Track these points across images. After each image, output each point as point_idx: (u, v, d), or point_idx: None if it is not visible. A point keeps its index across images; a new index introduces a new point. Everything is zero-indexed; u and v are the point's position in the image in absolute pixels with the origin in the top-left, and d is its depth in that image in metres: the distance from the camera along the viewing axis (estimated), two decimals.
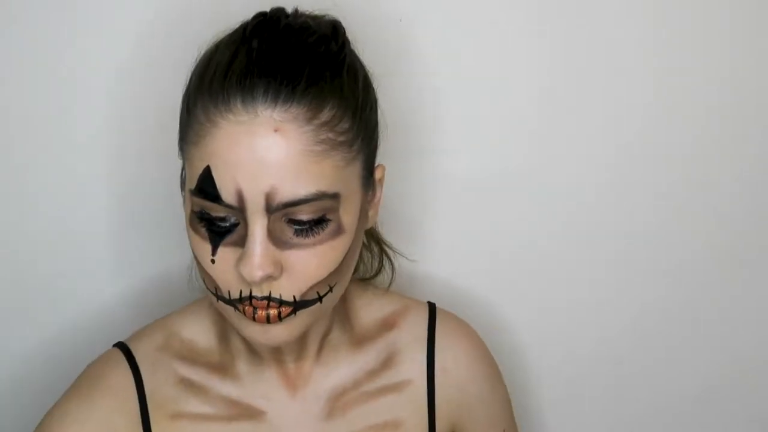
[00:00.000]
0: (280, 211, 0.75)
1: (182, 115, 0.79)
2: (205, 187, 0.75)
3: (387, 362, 0.92)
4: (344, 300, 0.92)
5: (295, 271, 0.77)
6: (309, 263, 0.77)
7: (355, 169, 0.79)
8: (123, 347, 0.89)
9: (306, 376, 0.90)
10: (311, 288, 0.78)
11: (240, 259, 0.76)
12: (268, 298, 0.77)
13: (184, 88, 0.80)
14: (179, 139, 0.80)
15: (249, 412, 0.88)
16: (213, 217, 0.77)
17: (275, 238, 0.76)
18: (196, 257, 0.80)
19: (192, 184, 0.77)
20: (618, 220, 1.12)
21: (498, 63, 1.06)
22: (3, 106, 1.00)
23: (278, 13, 0.80)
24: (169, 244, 1.04)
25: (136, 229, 1.06)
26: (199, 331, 0.90)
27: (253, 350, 0.88)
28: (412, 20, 1.02)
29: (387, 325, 0.94)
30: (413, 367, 0.93)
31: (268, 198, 0.74)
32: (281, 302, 0.77)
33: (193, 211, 0.78)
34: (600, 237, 1.13)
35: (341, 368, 0.91)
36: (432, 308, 0.96)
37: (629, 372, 1.18)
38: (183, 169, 0.82)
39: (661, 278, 1.15)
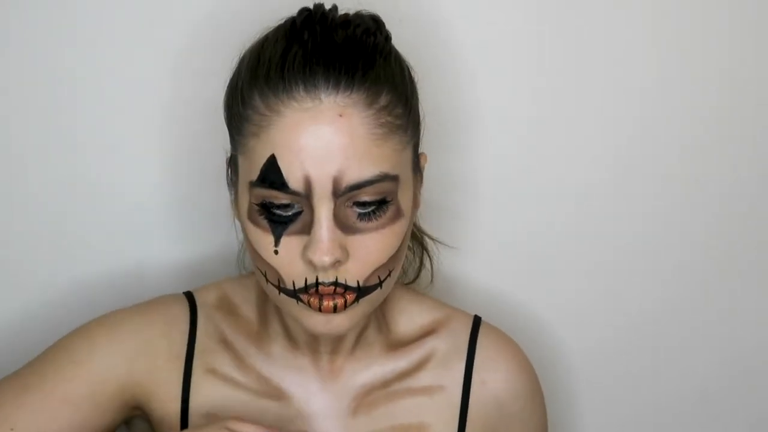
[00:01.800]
0: (346, 195, 0.77)
1: (234, 110, 0.81)
2: (271, 175, 0.77)
3: (420, 365, 0.92)
4: (384, 301, 0.91)
5: (360, 256, 0.79)
6: (373, 247, 0.80)
7: (409, 154, 0.82)
8: (188, 295, 0.93)
9: (338, 370, 0.91)
10: (374, 272, 0.81)
11: (308, 246, 0.78)
12: (335, 284, 0.79)
13: (228, 86, 0.83)
14: (234, 134, 0.82)
15: (277, 393, 0.90)
16: (277, 205, 0.78)
17: (340, 223, 0.78)
18: (256, 251, 0.81)
19: (253, 175, 0.79)
20: (621, 220, 1.12)
21: (498, 63, 1.06)
22: (7, 104, 1.01)
23: (321, 8, 0.82)
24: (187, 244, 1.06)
25: (149, 229, 1.07)
26: (244, 300, 0.93)
27: (290, 336, 0.90)
28: (413, 20, 1.02)
29: (426, 332, 0.94)
30: (448, 374, 0.93)
31: (336, 182, 0.77)
32: (346, 288, 0.80)
33: (252, 204, 0.80)
34: (601, 237, 1.13)
35: (373, 367, 0.92)
36: (476, 321, 0.96)
37: (629, 372, 1.18)
38: (229, 166, 0.84)
39: (661, 278, 1.15)
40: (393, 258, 0.81)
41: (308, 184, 0.77)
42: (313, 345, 0.90)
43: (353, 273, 0.80)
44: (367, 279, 0.80)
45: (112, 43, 1.01)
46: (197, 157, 1.03)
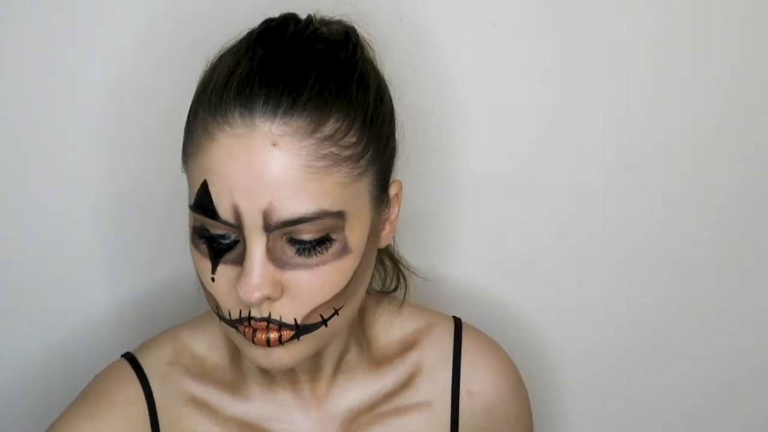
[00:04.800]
0: (279, 229, 0.71)
1: (186, 126, 0.76)
2: (203, 202, 0.72)
3: (407, 382, 0.89)
4: (362, 318, 0.88)
5: (296, 293, 0.73)
6: (311, 285, 0.73)
7: (364, 186, 0.74)
8: (131, 359, 0.85)
9: (321, 397, 0.86)
10: (314, 311, 0.74)
11: (238, 279, 0.72)
12: (268, 320, 0.73)
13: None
14: (182, 151, 0.76)
15: None
16: (212, 234, 0.73)
17: (275, 258, 0.72)
18: (197, 274, 0.76)
19: (191, 199, 0.74)
20: (619, 220, 1.12)
21: (498, 63, 1.06)
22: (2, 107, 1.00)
23: (288, 20, 0.77)
24: (172, 250, 1.03)
25: (136, 235, 1.05)
26: (210, 348, 0.86)
27: (266, 371, 0.84)
28: (413, 20, 1.02)
29: (408, 344, 0.90)
30: (435, 387, 0.89)
31: (266, 216, 0.70)
32: (281, 324, 0.74)
33: (193, 227, 0.75)
34: (602, 237, 1.13)
35: (358, 389, 0.87)
36: (458, 324, 0.92)
37: (629, 371, 1.18)
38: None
39: (661, 278, 1.15)
40: (339, 297, 0.74)
41: (238, 215, 0.70)
42: (290, 376, 0.84)
43: (289, 310, 0.73)
44: (306, 317, 0.74)
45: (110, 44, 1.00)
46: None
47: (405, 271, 0.93)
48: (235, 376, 0.86)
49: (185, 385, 0.85)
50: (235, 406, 0.85)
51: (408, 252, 0.95)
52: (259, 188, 0.70)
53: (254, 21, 0.79)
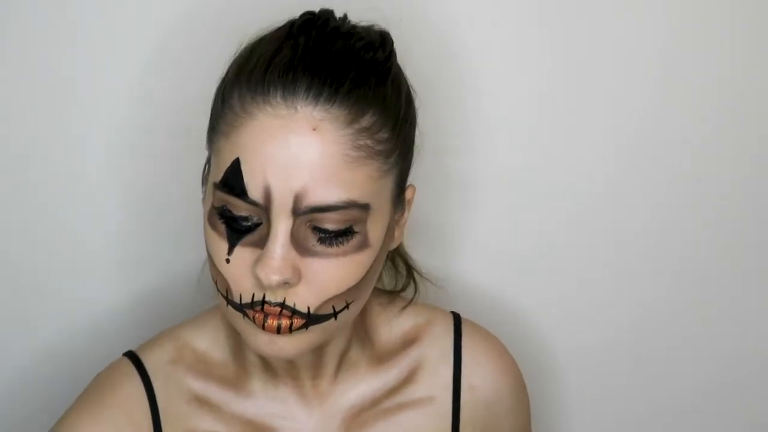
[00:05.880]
0: (306, 215, 0.72)
1: (215, 105, 0.77)
2: (232, 180, 0.72)
3: (408, 378, 0.89)
4: (364, 315, 0.88)
5: (313, 281, 0.74)
6: (329, 274, 0.74)
7: (389, 183, 0.76)
8: (133, 357, 0.85)
9: (323, 394, 0.86)
10: (327, 301, 0.75)
11: (258, 261, 0.73)
12: (282, 305, 0.74)
13: (220, 80, 0.78)
14: (209, 130, 0.78)
15: None
16: (234, 215, 0.74)
17: (297, 243, 0.73)
18: (210, 256, 0.77)
19: (217, 177, 0.74)
20: (619, 220, 1.12)
21: (498, 63, 1.06)
22: (6, 105, 1.00)
23: (327, 15, 0.78)
24: (177, 247, 1.04)
25: (143, 232, 1.05)
26: (212, 344, 0.87)
27: (268, 366, 0.85)
28: (413, 20, 1.02)
29: (409, 340, 0.91)
30: (437, 382, 0.90)
31: (297, 199, 0.71)
32: (294, 311, 0.74)
33: (213, 206, 0.75)
34: (602, 237, 1.13)
35: (360, 386, 0.88)
36: (457, 320, 0.93)
37: (629, 371, 1.18)
38: (207, 163, 0.79)
39: (661, 278, 1.15)
40: (353, 290, 0.75)
41: (268, 195, 0.71)
42: (292, 372, 0.85)
43: (304, 298, 0.74)
44: (320, 307, 0.75)
45: (110, 44, 1.00)
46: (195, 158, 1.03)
47: (418, 277, 0.94)
48: (238, 372, 0.86)
49: (188, 383, 0.85)
50: (238, 404, 0.85)
51: (409, 251, 0.95)
52: (295, 170, 0.71)
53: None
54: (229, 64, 0.79)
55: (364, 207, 0.73)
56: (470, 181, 1.09)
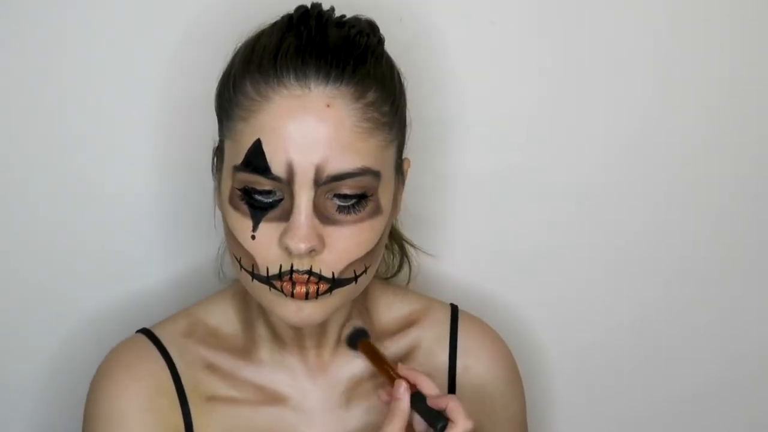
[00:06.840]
0: (327, 184, 0.78)
1: (225, 96, 0.83)
2: (255, 159, 0.79)
3: (406, 357, 0.94)
4: (365, 294, 0.93)
5: (336, 247, 0.80)
6: (350, 240, 0.80)
7: (392, 153, 0.83)
8: (147, 333, 0.91)
9: (325, 364, 0.92)
10: (349, 266, 0.81)
11: (285, 232, 0.79)
12: (310, 272, 0.80)
13: (222, 74, 0.84)
14: (222, 119, 0.83)
15: (274, 398, 0.90)
16: (258, 190, 0.79)
17: (319, 213, 0.79)
18: (233, 235, 0.82)
19: (238, 159, 0.80)
20: (619, 219, 1.12)
21: (498, 62, 1.06)
22: (6, 105, 1.00)
23: (318, 7, 0.84)
24: (177, 247, 1.05)
25: (143, 232, 1.06)
26: (223, 319, 0.92)
27: (276, 337, 0.90)
28: (413, 20, 1.02)
29: (408, 322, 0.96)
30: (433, 362, 0.95)
31: (318, 170, 0.78)
32: (320, 277, 0.80)
33: (234, 188, 0.81)
34: (602, 237, 1.13)
35: (358, 359, 0.91)
36: (454, 310, 0.98)
37: (629, 371, 1.18)
38: (216, 152, 0.85)
39: (661, 278, 1.15)
40: (369, 254, 0.82)
41: (291, 170, 0.78)
42: (299, 341, 0.90)
43: (328, 263, 0.80)
44: (342, 272, 0.81)
45: (109, 44, 1.01)
46: (195, 157, 1.03)
47: (409, 251, 1.01)
48: (247, 344, 0.92)
49: (201, 352, 0.91)
50: (249, 371, 0.91)
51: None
52: (314, 144, 0.78)
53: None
54: (228, 62, 0.85)
55: (377, 174, 0.80)
56: (469, 181, 1.09)
